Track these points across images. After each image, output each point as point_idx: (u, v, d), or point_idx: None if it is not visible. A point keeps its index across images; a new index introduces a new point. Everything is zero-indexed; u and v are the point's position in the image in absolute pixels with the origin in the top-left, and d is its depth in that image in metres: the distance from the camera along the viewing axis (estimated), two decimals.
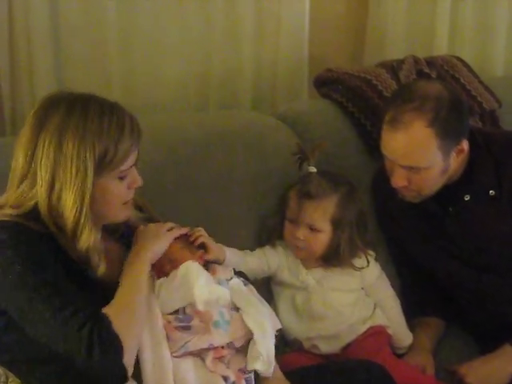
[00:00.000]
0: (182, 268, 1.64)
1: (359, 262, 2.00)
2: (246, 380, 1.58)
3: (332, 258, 1.98)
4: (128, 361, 1.43)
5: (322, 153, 2.02)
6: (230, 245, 1.91)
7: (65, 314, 1.41)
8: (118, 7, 2.29)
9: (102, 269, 1.54)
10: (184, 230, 1.73)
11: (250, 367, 1.58)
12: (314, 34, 2.70)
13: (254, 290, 1.74)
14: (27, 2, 2.13)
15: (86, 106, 1.51)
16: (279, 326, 1.71)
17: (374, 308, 2.04)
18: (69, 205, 1.48)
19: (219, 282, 1.66)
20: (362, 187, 2.12)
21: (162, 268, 1.65)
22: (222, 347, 1.58)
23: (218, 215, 2.04)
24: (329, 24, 2.81)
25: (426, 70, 2.48)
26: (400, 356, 2.03)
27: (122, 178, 1.56)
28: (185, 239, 1.73)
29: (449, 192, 2.00)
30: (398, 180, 1.93)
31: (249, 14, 2.52)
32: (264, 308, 1.69)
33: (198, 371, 1.55)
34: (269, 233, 2.07)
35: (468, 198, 2.00)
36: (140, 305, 1.53)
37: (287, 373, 1.70)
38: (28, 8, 2.13)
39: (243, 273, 1.82)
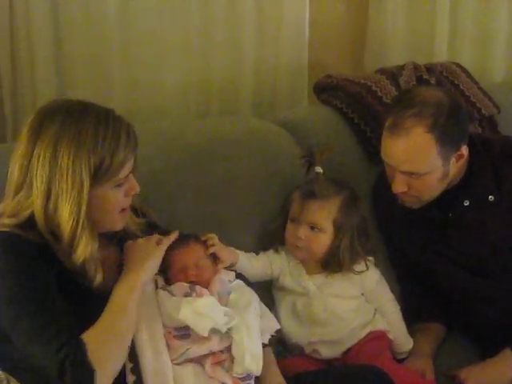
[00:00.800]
0: (205, 301, 1.61)
1: (359, 267, 2.01)
2: None
3: (332, 262, 1.98)
4: None
5: (329, 155, 2.03)
6: None
7: (47, 334, 1.42)
8: (118, 13, 2.30)
9: (98, 279, 1.54)
10: (173, 237, 1.71)
11: (236, 370, 1.57)
12: (314, 41, 2.72)
13: (253, 292, 1.75)
14: (28, 4, 2.13)
15: (81, 117, 1.51)
16: (277, 327, 1.72)
17: (375, 313, 2.04)
18: (65, 216, 1.48)
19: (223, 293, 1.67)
20: (361, 193, 2.12)
21: (182, 273, 1.67)
22: (221, 351, 1.59)
23: (219, 221, 2.05)
24: (329, 30, 2.82)
25: (426, 77, 2.49)
26: (400, 361, 2.03)
27: (119, 186, 1.56)
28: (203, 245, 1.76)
29: (448, 197, 2.00)
30: (399, 186, 1.94)
31: (249, 21, 2.53)
32: (255, 310, 1.68)
33: (197, 378, 1.56)
34: (271, 237, 2.08)
35: (467, 203, 2.00)
36: (125, 330, 1.51)
37: (288, 378, 1.70)
38: (29, 10, 2.13)
39: (243, 275, 1.83)
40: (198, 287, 1.64)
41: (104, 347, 1.45)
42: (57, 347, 1.41)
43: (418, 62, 2.56)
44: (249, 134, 2.24)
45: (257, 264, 1.99)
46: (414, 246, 2.12)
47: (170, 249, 1.69)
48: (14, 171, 1.52)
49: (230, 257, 1.83)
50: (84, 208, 1.48)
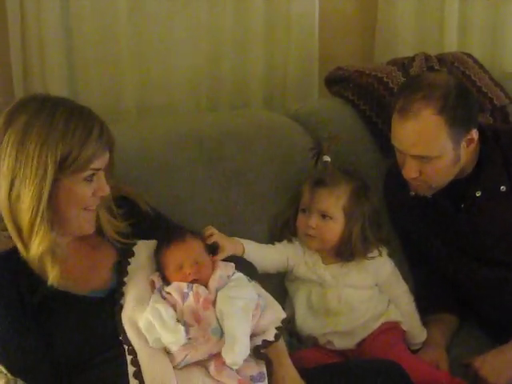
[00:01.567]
0: (143, 320, 1.55)
1: (372, 254, 2.01)
2: None
3: (345, 251, 1.99)
4: None
5: (336, 145, 2.03)
6: None
7: None
8: (129, 13, 2.31)
9: (53, 276, 1.51)
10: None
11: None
12: (324, 33, 2.71)
13: (258, 285, 1.71)
14: (39, 10, 2.14)
15: (54, 107, 1.51)
16: (283, 316, 1.65)
17: (388, 304, 2.05)
18: (26, 203, 1.47)
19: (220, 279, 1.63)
20: (373, 184, 2.13)
21: (180, 272, 1.62)
22: None
23: (232, 213, 2.06)
24: (339, 23, 2.82)
25: (437, 67, 2.47)
26: (414, 352, 2.04)
27: (87, 181, 1.54)
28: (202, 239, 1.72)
29: (460, 188, 2.00)
30: (410, 171, 1.93)
31: (259, 14, 2.53)
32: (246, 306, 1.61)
33: (203, 381, 1.52)
34: (281, 227, 2.08)
35: (479, 194, 2.00)
36: None
37: (303, 369, 1.69)
38: (40, 16, 2.15)
39: (254, 267, 1.81)
40: (194, 286, 1.59)
41: None
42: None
43: (428, 52, 2.55)
44: (260, 128, 2.25)
45: (273, 253, 1.99)
46: (426, 237, 2.12)
47: (165, 247, 1.65)
48: None
49: (231, 246, 1.80)
50: (45, 197, 1.47)
